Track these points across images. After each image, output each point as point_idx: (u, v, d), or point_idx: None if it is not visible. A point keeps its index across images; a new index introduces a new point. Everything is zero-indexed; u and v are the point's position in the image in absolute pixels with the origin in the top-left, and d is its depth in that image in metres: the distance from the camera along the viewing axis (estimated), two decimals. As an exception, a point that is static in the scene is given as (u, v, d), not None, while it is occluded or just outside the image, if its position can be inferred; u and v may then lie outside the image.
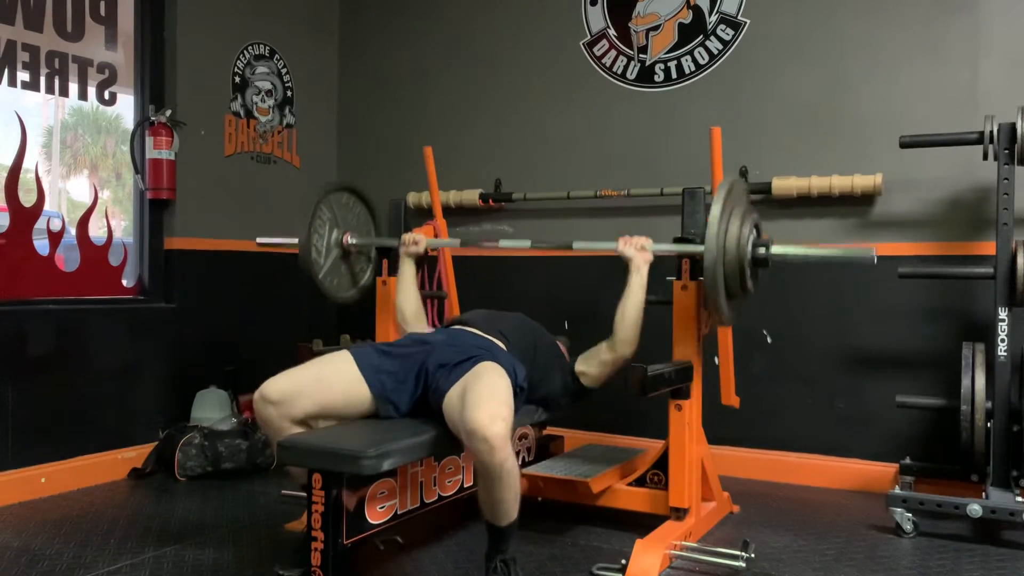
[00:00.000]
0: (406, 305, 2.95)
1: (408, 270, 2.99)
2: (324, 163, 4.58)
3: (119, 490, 3.33)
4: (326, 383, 2.35)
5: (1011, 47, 3.20)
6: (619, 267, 2.68)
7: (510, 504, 2.17)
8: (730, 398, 3.10)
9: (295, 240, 3.01)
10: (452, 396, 2.25)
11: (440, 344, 2.46)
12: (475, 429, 2.03)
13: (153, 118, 3.66)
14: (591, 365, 2.73)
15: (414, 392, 2.41)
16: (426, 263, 3.48)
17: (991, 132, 2.82)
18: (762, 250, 2.55)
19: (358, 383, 2.38)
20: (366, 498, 2.20)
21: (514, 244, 2.90)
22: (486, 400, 2.12)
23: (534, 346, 2.69)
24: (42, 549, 2.60)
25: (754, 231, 2.57)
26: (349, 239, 3.13)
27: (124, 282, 3.71)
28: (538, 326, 2.83)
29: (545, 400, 2.70)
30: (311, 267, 3.00)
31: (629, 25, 3.89)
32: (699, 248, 2.53)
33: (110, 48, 3.63)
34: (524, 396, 2.53)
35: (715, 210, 2.44)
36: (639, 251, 2.66)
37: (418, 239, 3.01)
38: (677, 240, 2.70)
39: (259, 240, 3.29)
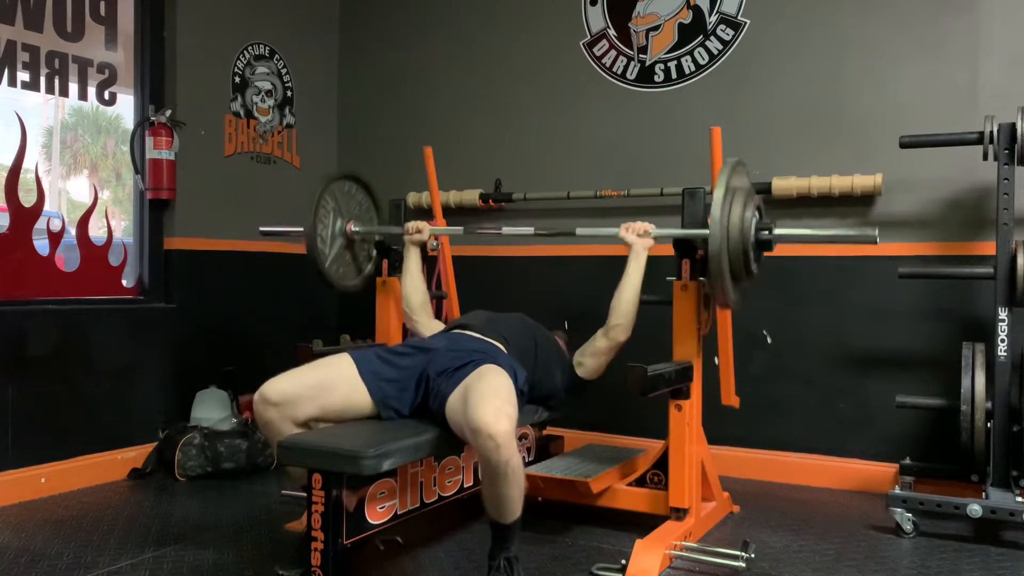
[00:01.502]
0: (412, 295, 2.97)
1: (413, 258, 3.02)
2: (324, 163, 4.57)
3: (119, 490, 3.33)
4: (328, 386, 2.35)
5: (1011, 47, 3.20)
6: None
7: (515, 501, 2.17)
8: (730, 398, 3.10)
9: (300, 229, 3.01)
10: (454, 399, 2.25)
11: (441, 350, 2.46)
12: (480, 427, 2.04)
13: (153, 118, 3.66)
14: (586, 355, 2.75)
15: (414, 399, 2.41)
16: (425, 263, 3.49)
17: (991, 132, 2.82)
18: (765, 232, 2.56)
19: (359, 388, 2.38)
20: (366, 498, 2.20)
21: (517, 231, 2.99)
22: (490, 398, 2.12)
23: (535, 345, 2.70)
24: (42, 549, 2.60)
25: (756, 213, 2.57)
26: (353, 227, 3.13)
27: (124, 282, 3.71)
28: (538, 325, 2.84)
29: (547, 398, 2.71)
30: (316, 256, 3.01)
31: (629, 25, 3.89)
32: (703, 232, 2.52)
33: (110, 48, 3.63)
34: (525, 399, 2.53)
35: (718, 193, 2.43)
36: (640, 237, 2.68)
37: (421, 227, 3.03)
38: (678, 242, 2.70)
39: (262, 229, 3.28)
